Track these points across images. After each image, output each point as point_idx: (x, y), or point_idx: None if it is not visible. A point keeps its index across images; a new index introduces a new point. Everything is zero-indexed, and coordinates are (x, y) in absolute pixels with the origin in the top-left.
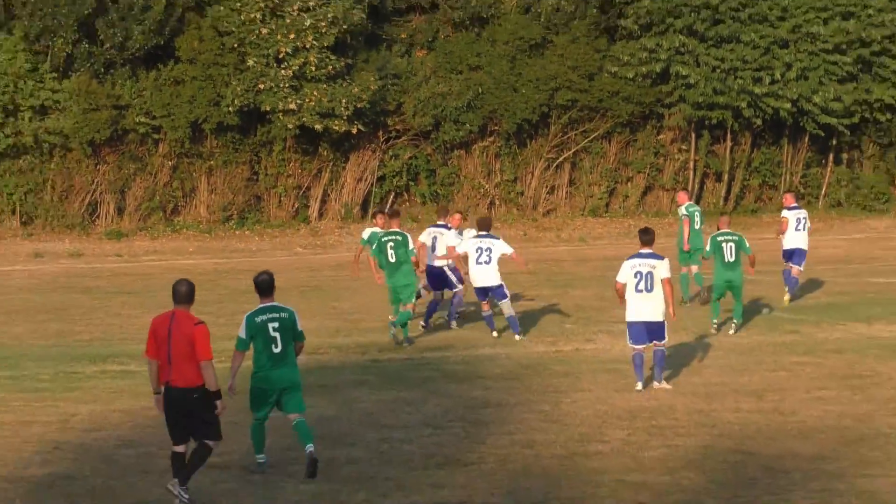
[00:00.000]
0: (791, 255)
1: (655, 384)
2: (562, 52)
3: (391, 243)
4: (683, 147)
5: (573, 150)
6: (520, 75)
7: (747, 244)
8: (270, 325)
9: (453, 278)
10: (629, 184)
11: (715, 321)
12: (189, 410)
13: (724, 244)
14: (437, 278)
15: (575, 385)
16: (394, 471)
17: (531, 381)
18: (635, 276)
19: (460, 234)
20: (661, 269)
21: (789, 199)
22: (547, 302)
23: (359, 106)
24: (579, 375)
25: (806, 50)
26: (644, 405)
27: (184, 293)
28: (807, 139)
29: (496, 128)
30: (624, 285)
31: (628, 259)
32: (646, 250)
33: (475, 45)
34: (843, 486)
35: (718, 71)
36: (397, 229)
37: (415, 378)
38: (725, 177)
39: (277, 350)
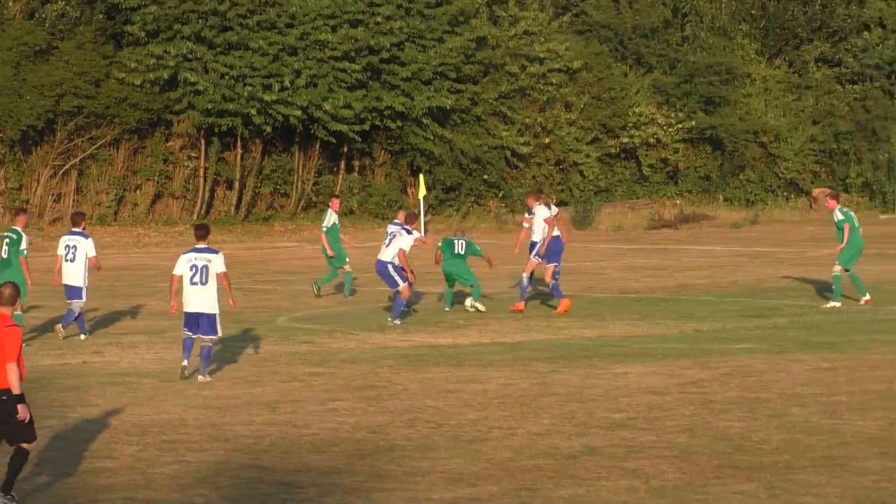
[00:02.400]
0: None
1: (200, 378)
2: (67, 59)
3: (7, 240)
4: (193, 154)
5: (80, 158)
6: (24, 81)
7: (476, 247)
8: None
9: (396, 277)
10: (138, 192)
11: (447, 308)
12: None
13: (455, 242)
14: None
15: (83, 399)
16: None
17: (36, 396)
18: (191, 269)
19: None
20: (217, 262)
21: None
22: (50, 314)
23: None
24: (87, 389)
25: (315, 57)
26: (154, 419)
27: (7, 296)
28: (318, 146)
29: (0, 135)
30: (180, 278)
31: (184, 254)
32: (201, 245)
33: None
34: (360, 501)
35: (227, 78)
36: (19, 228)
37: None
38: (237, 184)
39: None
